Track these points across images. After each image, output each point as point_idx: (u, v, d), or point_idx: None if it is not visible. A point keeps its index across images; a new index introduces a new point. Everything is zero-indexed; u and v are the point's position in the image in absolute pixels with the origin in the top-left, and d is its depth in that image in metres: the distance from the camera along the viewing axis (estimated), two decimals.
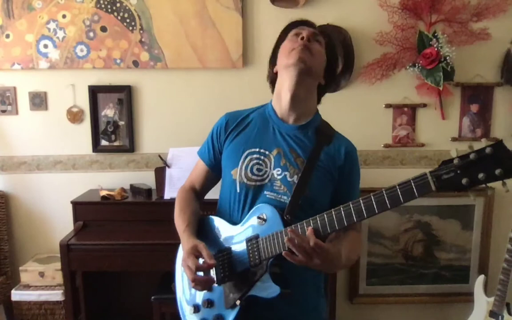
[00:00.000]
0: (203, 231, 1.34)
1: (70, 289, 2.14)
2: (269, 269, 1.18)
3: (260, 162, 1.28)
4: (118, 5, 2.38)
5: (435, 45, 2.30)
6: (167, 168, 2.29)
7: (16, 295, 2.36)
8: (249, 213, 1.25)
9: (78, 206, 2.26)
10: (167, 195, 2.25)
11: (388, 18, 2.38)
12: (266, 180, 1.26)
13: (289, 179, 1.24)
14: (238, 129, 1.35)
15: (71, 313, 2.17)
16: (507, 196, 2.50)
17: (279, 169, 1.25)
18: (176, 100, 2.50)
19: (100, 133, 2.51)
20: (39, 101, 2.49)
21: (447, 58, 2.31)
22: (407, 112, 2.51)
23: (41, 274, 2.38)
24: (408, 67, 2.40)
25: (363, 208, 1.06)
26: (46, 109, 2.50)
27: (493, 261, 2.54)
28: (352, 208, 1.08)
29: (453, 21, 2.37)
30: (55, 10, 2.39)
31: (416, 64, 2.37)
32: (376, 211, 1.04)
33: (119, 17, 2.39)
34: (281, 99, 1.30)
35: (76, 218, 2.25)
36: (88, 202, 2.31)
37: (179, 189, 1.48)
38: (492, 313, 2.15)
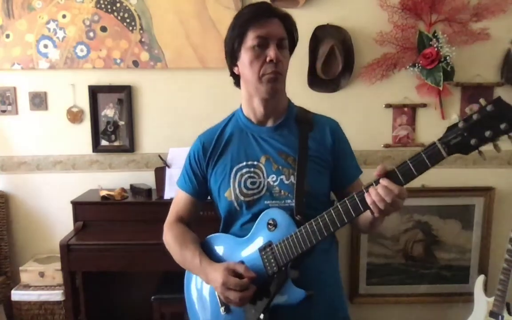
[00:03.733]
0: (211, 251, 1.28)
1: (70, 289, 2.14)
2: (290, 275, 1.14)
3: (252, 174, 1.23)
4: (118, 5, 2.38)
5: (435, 45, 2.30)
6: (167, 168, 2.29)
7: (16, 295, 2.36)
8: (257, 222, 1.20)
9: (78, 206, 2.26)
10: (167, 195, 2.25)
11: (388, 18, 2.38)
12: (263, 191, 1.22)
13: (286, 181, 1.21)
14: (217, 150, 1.29)
15: (71, 313, 2.18)
16: (507, 196, 2.51)
17: (273, 175, 1.22)
18: (176, 100, 2.50)
19: (100, 133, 2.51)
20: (39, 101, 2.49)
21: (447, 58, 2.31)
22: (407, 112, 2.51)
23: (41, 274, 2.38)
24: (408, 67, 2.40)
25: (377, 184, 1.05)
26: (46, 109, 2.50)
27: (493, 261, 2.54)
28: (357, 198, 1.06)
29: (453, 21, 2.37)
30: (55, 10, 2.39)
31: (416, 64, 2.37)
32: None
33: (119, 17, 2.39)
34: (254, 108, 1.26)
35: (76, 218, 2.25)
36: (88, 202, 2.31)
37: (165, 227, 1.39)
38: (492, 313, 2.15)
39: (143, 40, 2.41)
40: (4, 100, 2.48)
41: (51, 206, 2.54)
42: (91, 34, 2.41)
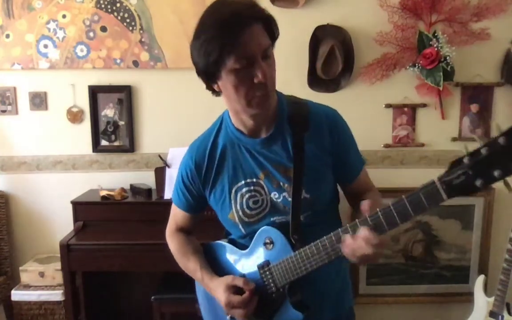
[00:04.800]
0: (213, 259, 1.25)
1: (70, 289, 2.14)
2: (289, 298, 1.11)
3: (253, 193, 1.14)
4: (118, 5, 2.38)
5: (435, 45, 2.30)
6: (167, 168, 2.29)
7: (16, 295, 2.36)
8: (255, 238, 1.15)
9: (78, 206, 2.27)
10: (167, 195, 2.25)
11: (388, 18, 2.38)
12: (268, 208, 1.14)
13: (289, 198, 1.12)
14: (212, 169, 1.18)
15: (71, 313, 2.18)
16: (507, 196, 2.50)
17: (275, 192, 1.13)
18: (176, 100, 2.50)
19: (100, 133, 2.51)
20: (39, 101, 2.49)
21: (447, 58, 2.31)
22: (407, 112, 2.51)
23: (41, 274, 2.38)
24: (408, 67, 2.40)
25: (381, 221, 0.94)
26: (46, 109, 2.50)
27: (493, 261, 2.54)
28: (369, 220, 0.96)
29: (453, 21, 2.37)
30: (55, 10, 2.39)
31: (416, 64, 2.37)
32: (387, 229, 0.95)
33: (119, 17, 2.39)
34: (243, 121, 1.12)
35: (76, 218, 2.25)
36: (88, 202, 2.31)
37: (167, 235, 1.36)
38: (492, 313, 2.15)
39: (143, 40, 2.41)
40: (4, 100, 2.48)
41: (51, 206, 2.54)
42: (91, 34, 2.41)
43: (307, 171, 1.11)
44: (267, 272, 1.12)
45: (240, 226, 1.16)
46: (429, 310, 2.64)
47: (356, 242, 0.95)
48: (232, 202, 1.16)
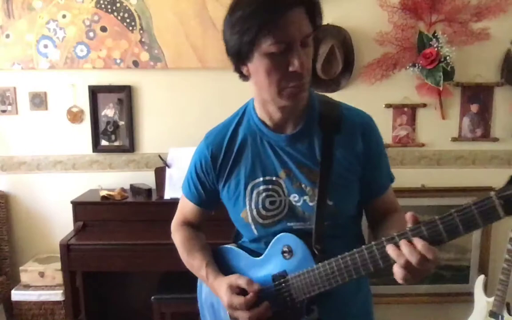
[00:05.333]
0: (221, 264, 1.15)
1: (70, 289, 2.14)
2: (306, 315, 1.00)
3: (270, 192, 1.04)
4: (118, 5, 2.38)
5: (435, 45, 2.30)
6: (167, 168, 2.29)
7: (16, 295, 2.36)
8: (271, 245, 1.05)
9: (78, 206, 2.27)
10: (167, 195, 2.25)
11: (388, 18, 2.38)
12: (285, 211, 1.04)
13: (310, 204, 1.02)
14: (229, 160, 1.08)
15: (71, 313, 2.18)
16: None
17: (295, 195, 1.03)
18: (176, 100, 2.50)
19: (100, 133, 2.51)
20: (39, 101, 2.49)
21: (447, 58, 2.31)
22: (407, 112, 2.51)
23: (41, 274, 2.38)
24: (408, 67, 2.40)
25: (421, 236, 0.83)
26: (46, 109, 2.50)
27: (493, 261, 2.54)
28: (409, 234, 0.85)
29: (453, 21, 2.37)
30: (55, 10, 2.39)
31: (416, 64, 2.37)
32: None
33: (119, 17, 2.39)
34: (269, 113, 1.04)
35: (76, 218, 2.25)
36: (88, 202, 2.31)
37: (173, 228, 1.26)
38: (492, 313, 2.15)
39: (143, 40, 2.41)
40: (4, 100, 2.48)
41: (51, 206, 2.54)
42: (91, 34, 2.41)
43: (334, 177, 1.01)
44: (283, 284, 1.02)
45: (253, 227, 1.07)
46: (429, 310, 2.63)
47: (405, 252, 0.82)
48: (247, 199, 1.06)
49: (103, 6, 2.39)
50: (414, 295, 2.60)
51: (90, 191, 2.46)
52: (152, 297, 2.12)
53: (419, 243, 0.82)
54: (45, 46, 2.41)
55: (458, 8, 2.35)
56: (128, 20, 2.40)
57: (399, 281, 0.84)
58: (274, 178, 1.05)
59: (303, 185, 1.03)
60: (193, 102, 2.49)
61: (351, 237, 1.07)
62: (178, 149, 2.33)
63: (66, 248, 2.07)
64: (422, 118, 2.51)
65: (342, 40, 2.38)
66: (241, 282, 1.03)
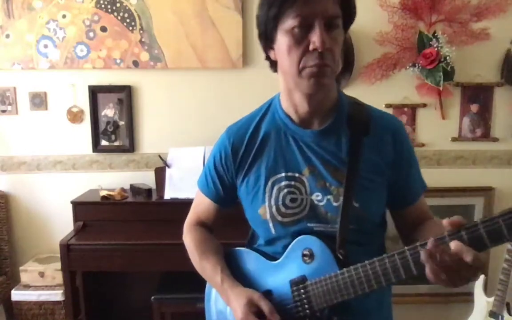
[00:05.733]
0: (235, 268, 1.09)
1: (70, 289, 2.14)
2: None
3: (292, 189, 1.00)
4: (118, 5, 2.38)
5: (435, 45, 2.30)
6: (167, 168, 2.29)
7: (16, 295, 2.36)
8: (290, 247, 1.00)
9: (78, 206, 2.26)
10: (167, 195, 2.25)
11: (388, 18, 2.38)
12: (306, 210, 0.99)
13: (334, 204, 0.97)
14: (250, 153, 1.04)
15: (71, 313, 2.18)
16: (507, 196, 2.51)
17: (318, 193, 0.98)
18: (176, 100, 2.50)
19: (100, 133, 2.51)
20: (39, 101, 2.49)
21: (447, 58, 2.31)
22: (407, 112, 2.51)
23: (41, 274, 2.38)
24: (408, 67, 2.40)
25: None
26: (46, 109, 2.50)
27: (493, 261, 2.54)
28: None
29: (453, 21, 2.37)
30: (55, 10, 2.39)
31: (416, 64, 2.37)
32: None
33: (119, 17, 2.39)
34: (295, 104, 1.00)
35: (76, 218, 2.25)
36: (88, 202, 2.31)
37: (186, 228, 1.21)
38: (492, 313, 2.15)
39: (143, 40, 2.41)
40: (4, 100, 2.48)
41: (51, 206, 2.54)
42: (91, 34, 2.41)
43: (361, 178, 0.97)
44: (302, 290, 0.96)
45: (271, 224, 1.01)
46: (429, 310, 2.63)
47: (443, 256, 0.78)
48: (267, 195, 1.01)
49: (103, 6, 2.39)
50: (414, 295, 2.60)
51: (90, 191, 2.46)
52: (152, 297, 2.12)
53: (454, 244, 0.77)
54: (45, 46, 2.41)
55: (458, 8, 2.35)
56: (128, 20, 2.40)
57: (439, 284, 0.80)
58: (297, 175, 1.00)
59: (327, 184, 0.98)
60: (193, 102, 2.49)
61: (374, 247, 1.02)
62: (178, 149, 2.33)
63: (66, 248, 2.07)
64: (422, 118, 2.51)
65: (342, 40, 2.37)
66: (263, 305, 0.96)
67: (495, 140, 2.49)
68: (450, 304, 2.60)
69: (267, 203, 1.01)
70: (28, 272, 2.39)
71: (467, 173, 2.52)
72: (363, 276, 0.88)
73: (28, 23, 2.39)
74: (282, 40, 0.92)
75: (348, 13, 0.94)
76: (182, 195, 2.23)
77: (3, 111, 2.49)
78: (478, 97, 2.48)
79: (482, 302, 2.23)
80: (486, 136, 2.50)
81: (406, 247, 0.84)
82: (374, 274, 0.88)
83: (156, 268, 2.19)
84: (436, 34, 2.34)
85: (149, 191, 2.35)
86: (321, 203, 0.98)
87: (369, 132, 1.00)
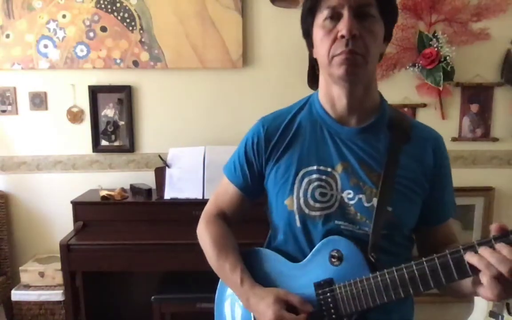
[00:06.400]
0: (253, 268, 1.03)
1: (70, 289, 2.14)
2: None
3: (323, 183, 0.96)
4: (118, 5, 2.38)
5: (435, 45, 2.30)
6: (167, 168, 2.29)
7: (16, 295, 2.36)
8: (316, 248, 0.95)
9: (78, 206, 2.26)
10: (167, 195, 2.25)
11: None
12: (334, 207, 0.95)
13: (366, 204, 0.94)
14: (283, 142, 1.02)
15: (71, 313, 2.18)
16: (507, 196, 2.51)
17: (350, 191, 0.95)
18: (176, 100, 2.50)
19: (100, 133, 2.51)
20: (39, 101, 2.49)
21: (447, 58, 2.31)
22: (407, 112, 2.50)
23: (41, 274, 2.38)
24: (408, 67, 2.40)
25: None
26: (46, 109, 2.50)
27: None
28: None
29: (453, 21, 2.37)
30: (55, 10, 2.39)
31: (416, 64, 2.37)
32: None
33: (119, 17, 2.39)
34: (333, 99, 0.99)
35: (76, 218, 2.25)
36: (88, 202, 2.31)
37: (203, 219, 1.15)
38: (492, 313, 2.15)
39: (143, 40, 2.41)
40: (4, 100, 2.48)
41: (51, 206, 2.54)
42: (91, 34, 2.41)
43: (397, 183, 0.94)
44: (328, 294, 0.91)
45: (296, 216, 0.97)
46: (429, 310, 2.63)
47: (499, 261, 0.72)
48: (296, 185, 0.98)
49: (103, 6, 2.39)
50: (414, 294, 2.59)
51: (90, 191, 2.46)
52: (152, 297, 2.12)
53: (504, 248, 0.73)
54: (45, 46, 2.41)
55: (458, 8, 2.36)
56: (128, 20, 2.40)
57: (490, 298, 0.74)
58: (329, 169, 0.97)
59: (361, 183, 0.95)
60: (193, 102, 2.49)
61: (401, 260, 0.95)
62: (178, 149, 2.33)
63: (66, 248, 2.07)
64: (422, 118, 2.51)
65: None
66: (293, 299, 0.92)
67: (495, 140, 2.49)
68: (450, 304, 2.60)
69: (295, 194, 0.98)
70: (28, 272, 2.39)
71: (467, 173, 2.52)
72: (398, 280, 0.84)
73: (28, 23, 2.39)
74: (316, 34, 0.94)
75: (385, 4, 0.92)
76: (182, 195, 2.23)
77: (3, 111, 2.49)
78: (478, 97, 2.48)
79: (482, 302, 2.23)
80: (486, 136, 2.50)
81: (447, 251, 0.80)
82: (411, 279, 0.83)
83: (156, 268, 2.19)
84: (436, 34, 2.34)
85: (149, 191, 2.35)
86: (352, 202, 0.95)
87: (410, 140, 0.98)
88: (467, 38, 2.38)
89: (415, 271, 0.82)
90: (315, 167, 0.98)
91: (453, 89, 2.46)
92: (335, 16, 0.90)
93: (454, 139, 2.52)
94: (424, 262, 0.82)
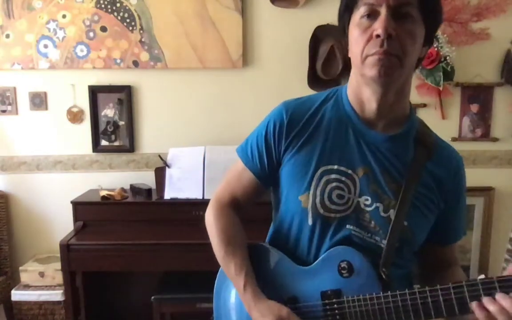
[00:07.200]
0: (258, 266, 1.00)
1: (70, 289, 2.14)
2: None
3: (341, 185, 0.93)
4: (118, 5, 2.38)
5: (435, 45, 2.30)
6: (167, 168, 2.29)
7: (16, 295, 2.36)
8: (325, 256, 0.92)
9: (78, 206, 2.26)
10: (167, 195, 2.25)
11: None
12: (350, 211, 0.92)
13: (383, 214, 0.91)
14: (305, 132, 0.96)
15: (71, 313, 2.18)
16: (507, 196, 2.51)
17: (368, 198, 0.92)
18: (176, 100, 2.50)
19: (100, 133, 2.51)
20: (39, 101, 2.49)
21: (447, 58, 2.31)
22: None
23: (41, 274, 2.38)
24: None
25: None
26: (46, 109, 2.49)
27: (493, 261, 2.54)
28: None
29: (453, 21, 2.37)
30: (55, 10, 2.39)
31: None
32: None
33: (119, 17, 2.39)
34: (363, 101, 0.94)
35: (76, 218, 2.25)
36: (88, 202, 2.31)
37: (213, 207, 1.07)
38: None
39: (143, 40, 2.41)
40: (4, 100, 2.48)
41: (51, 206, 2.54)
42: (91, 34, 2.41)
43: (416, 199, 0.92)
44: (335, 305, 0.88)
45: (310, 215, 0.93)
46: None
47: (492, 309, 0.75)
48: (313, 182, 0.93)
49: (103, 6, 2.39)
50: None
51: (90, 191, 2.46)
52: (152, 297, 2.12)
53: (504, 300, 0.75)
54: (45, 46, 2.41)
55: (458, 8, 2.36)
56: (128, 20, 2.40)
57: None
58: (349, 171, 0.93)
59: (380, 191, 0.92)
60: (193, 102, 2.49)
61: (407, 274, 0.97)
62: (178, 149, 2.33)
63: (66, 248, 2.07)
64: (422, 118, 2.49)
65: (342, 40, 2.37)
66: None
67: (495, 140, 2.49)
68: None
69: (311, 191, 0.93)
70: (28, 272, 2.39)
71: (467, 173, 2.49)
72: (410, 305, 0.82)
73: (28, 23, 2.39)
74: (351, 33, 0.90)
75: (430, 4, 0.87)
76: (182, 195, 2.23)
77: (3, 111, 2.49)
78: (478, 97, 2.48)
79: None
80: (486, 136, 2.50)
81: (464, 282, 0.80)
82: (423, 305, 0.82)
83: (156, 268, 2.19)
84: (436, 34, 2.33)
85: (149, 191, 2.35)
86: (368, 208, 0.92)
87: (433, 158, 0.96)
88: (467, 38, 2.38)
89: (428, 297, 0.81)
90: (335, 167, 0.93)
91: (453, 89, 2.46)
92: (372, 15, 0.85)
93: (454, 139, 2.51)
94: (439, 290, 0.81)
